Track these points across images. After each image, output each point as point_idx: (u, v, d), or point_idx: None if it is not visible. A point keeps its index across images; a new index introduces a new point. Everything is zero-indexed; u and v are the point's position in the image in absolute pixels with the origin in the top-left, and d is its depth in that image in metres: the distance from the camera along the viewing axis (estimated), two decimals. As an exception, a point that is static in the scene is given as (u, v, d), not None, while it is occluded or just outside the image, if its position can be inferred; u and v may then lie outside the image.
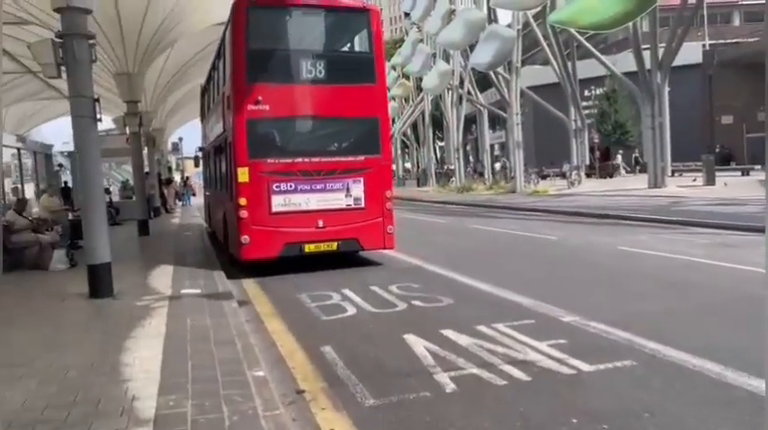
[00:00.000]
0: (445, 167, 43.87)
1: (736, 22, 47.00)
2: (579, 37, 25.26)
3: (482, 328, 5.60)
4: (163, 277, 8.96)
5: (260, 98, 9.58)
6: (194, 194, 36.27)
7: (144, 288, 8.12)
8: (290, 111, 9.98)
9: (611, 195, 22.44)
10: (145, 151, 25.51)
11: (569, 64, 28.86)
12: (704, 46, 41.21)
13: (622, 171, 34.22)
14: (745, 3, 45.03)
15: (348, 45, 11.32)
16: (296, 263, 9.84)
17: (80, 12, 6.98)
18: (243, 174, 9.60)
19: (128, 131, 15.61)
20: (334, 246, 9.93)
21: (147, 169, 28.38)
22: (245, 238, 9.55)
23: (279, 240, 9.66)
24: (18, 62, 16.01)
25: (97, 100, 7.25)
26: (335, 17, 10.75)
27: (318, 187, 9.90)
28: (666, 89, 24.19)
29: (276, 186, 9.66)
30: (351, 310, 6.81)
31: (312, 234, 9.81)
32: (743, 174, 27.55)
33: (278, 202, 9.70)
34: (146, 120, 18.78)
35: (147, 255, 12.31)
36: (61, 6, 6.89)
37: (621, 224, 14.34)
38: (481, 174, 36.86)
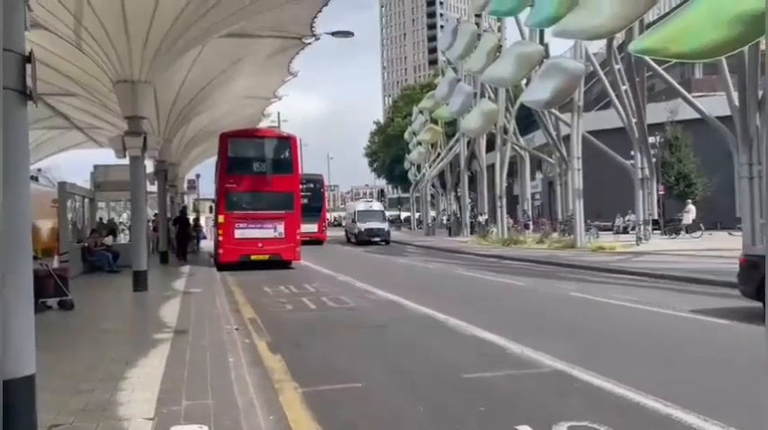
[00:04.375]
0: (478, 217, 40.27)
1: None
2: (663, 73, 21.82)
3: None
4: (145, 388, 5.24)
5: (232, 181, 19.03)
6: (205, 237, 32.60)
7: (105, 413, 4.41)
8: (247, 188, 19.09)
9: (704, 256, 18.56)
10: (154, 187, 22.27)
11: (636, 106, 25.32)
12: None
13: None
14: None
15: (278, 154, 20.08)
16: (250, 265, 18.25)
17: None
18: (221, 218, 18.92)
19: (127, 156, 12.15)
20: (267, 257, 18.64)
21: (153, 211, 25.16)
22: (220, 251, 18.74)
23: (237, 253, 18.42)
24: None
25: (28, 59, 3.73)
26: (273, 140, 20.64)
27: (259, 226, 18.78)
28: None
29: (237, 225, 18.65)
30: None
31: (255, 250, 18.56)
32: None
33: (238, 234, 18.61)
34: (153, 146, 15.40)
35: (135, 329, 8.62)
36: None
37: None
38: (526, 226, 33.07)
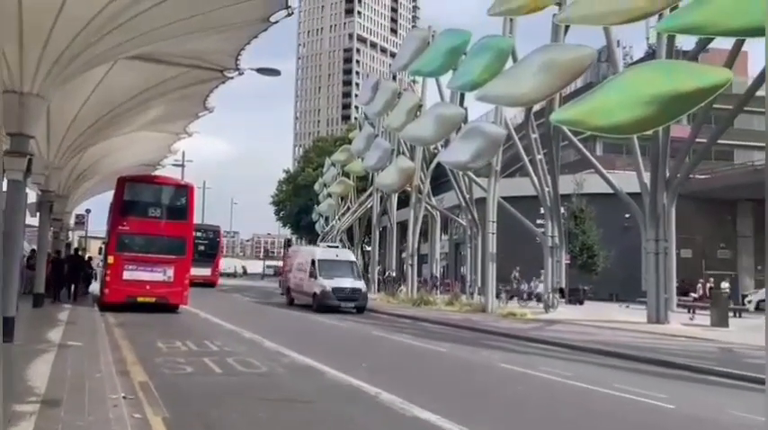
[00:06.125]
0: (387, 274, 39.57)
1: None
2: (580, 145, 22.51)
3: None
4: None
5: (125, 223, 19.22)
6: (95, 278, 29.35)
7: None
8: (140, 231, 19.29)
9: (614, 328, 18.59)
10: (35, 219, 19.72)
11: (551, 175, 25.94)
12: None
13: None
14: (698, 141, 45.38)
15: (174, 201, 20.40)
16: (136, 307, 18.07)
17: None
18: (111, 259, 18.81)
19: (4, 180, 10.27)
20: (153, 299, 18.70)
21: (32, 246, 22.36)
22: (106, 291, 18.77)
23: (124, 293, 18.43)
24: None
25: None
26: (170, 188, 20.87)
27: (149, 269, 18.79)
28: (673, 211, 21.47)
29: (126, 267, 18.61)
30: None
31: (143, 292, 18.61)
32: (734, 315, 24.68)
33: (126, 275, 18.59)
34: (40, 171, 13.41)
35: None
36: None
37: (699, 379, 10.27)
38: (435, 287, 32.67)
